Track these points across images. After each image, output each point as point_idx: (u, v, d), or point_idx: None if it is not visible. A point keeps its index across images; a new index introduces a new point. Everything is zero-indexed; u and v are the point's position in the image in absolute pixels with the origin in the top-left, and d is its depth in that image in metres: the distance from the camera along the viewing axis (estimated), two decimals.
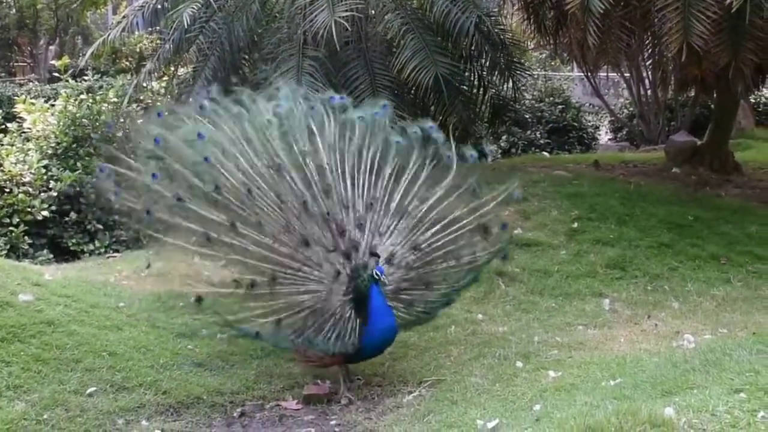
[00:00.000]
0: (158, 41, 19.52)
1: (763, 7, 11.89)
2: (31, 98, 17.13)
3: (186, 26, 13.72)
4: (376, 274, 8.06)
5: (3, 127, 16.69)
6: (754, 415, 5.25)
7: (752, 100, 24.35)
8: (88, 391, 8.09)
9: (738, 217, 14.03)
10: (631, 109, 26.27)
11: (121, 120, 15.53)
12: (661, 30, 13.15)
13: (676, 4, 12.18)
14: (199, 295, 8.48)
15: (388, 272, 8.36)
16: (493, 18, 15.20)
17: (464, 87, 15.55)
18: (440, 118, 14.32)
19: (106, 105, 15.66)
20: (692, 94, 22.35)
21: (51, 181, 14.13)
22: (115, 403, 8.01)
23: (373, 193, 8.65)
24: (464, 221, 8.83)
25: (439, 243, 8.74)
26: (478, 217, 8.88)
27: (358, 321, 8.32)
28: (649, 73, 23.33)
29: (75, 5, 28.75)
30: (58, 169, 14.39)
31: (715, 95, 18.39)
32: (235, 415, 8.15)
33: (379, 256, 8.36)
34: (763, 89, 22.32)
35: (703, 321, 10.18)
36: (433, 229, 8.70)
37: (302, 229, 8.34)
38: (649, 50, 17.49)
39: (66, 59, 19.57)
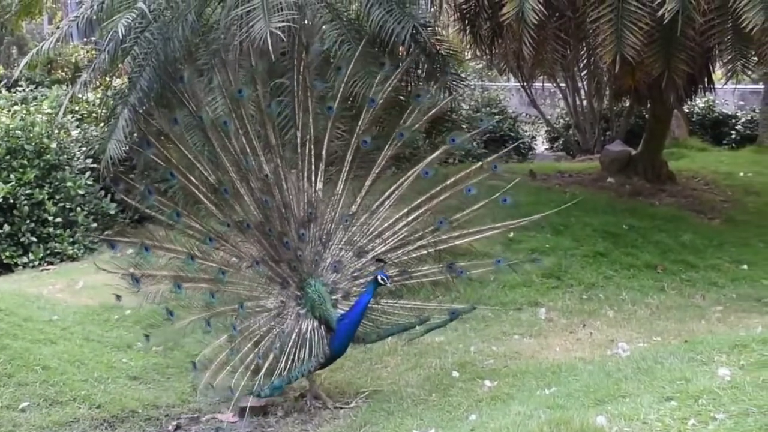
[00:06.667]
0: (94, 52, 19.28)
1: (694, 19, 12.05)
2: None
3: (121, 37, 13.55)
4: (382, 279, 7.91)
5: None
6: (685, 423, 5.30)
7: (686, 110, 24.62)
8: (21, 406, 8.04)
9: (672, 225, 14.23)
10: (567, 119, 26.46)
11: (56, 131, 15.35)
12: (595, 41, 13.26)
13: (609, 16, 12.30)
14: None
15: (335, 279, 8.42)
16: (429, 29, 15.18)
17: (401, 97, 15.55)
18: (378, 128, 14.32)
19: (40, 116, 15.45)
20: (627, 104, 22.63)
21: None
22: (48, 418, 7.96)
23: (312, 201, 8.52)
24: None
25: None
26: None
27: (322, 328, 8.24)
28: (585, 83, 23.52)
29: (9, 15, 28.37)
30: None
31: (649, 105, 18.60)
32: (170, 428, 8.13)
33: (385, 262, 8.28)
34: (697, 99, 22.57)
35: (637, 329, 10.32)
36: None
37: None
38: (584, 61, 17.65)
39: (0, 69, 19.34)
